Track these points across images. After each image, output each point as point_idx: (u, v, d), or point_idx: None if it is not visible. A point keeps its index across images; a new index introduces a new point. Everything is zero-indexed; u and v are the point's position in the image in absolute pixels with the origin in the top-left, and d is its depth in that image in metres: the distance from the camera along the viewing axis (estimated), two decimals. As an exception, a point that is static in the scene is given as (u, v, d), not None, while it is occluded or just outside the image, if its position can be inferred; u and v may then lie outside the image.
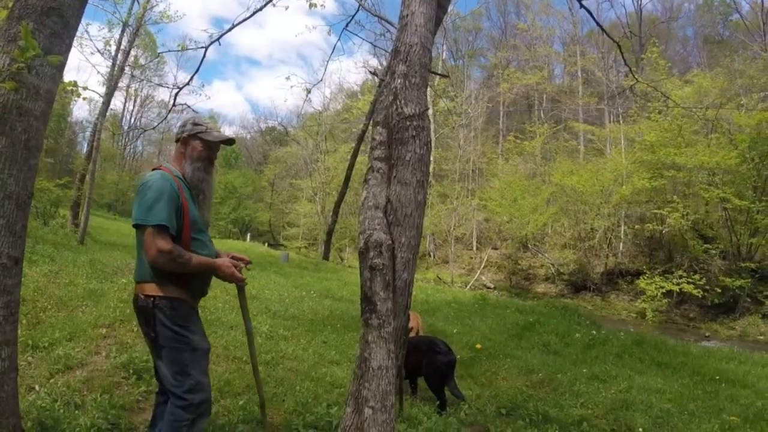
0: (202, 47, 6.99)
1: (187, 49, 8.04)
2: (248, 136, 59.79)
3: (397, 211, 2.47)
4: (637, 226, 24.91)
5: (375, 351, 2.26)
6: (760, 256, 21.13)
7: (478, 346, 7.79)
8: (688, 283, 20.25)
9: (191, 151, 2.70)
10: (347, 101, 48.48)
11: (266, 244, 35.71)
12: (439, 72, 21.26)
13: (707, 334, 17.95)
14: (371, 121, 2.57)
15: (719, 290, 19.70)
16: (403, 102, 2.56)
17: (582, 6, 5.10)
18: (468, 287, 25.70)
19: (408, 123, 2.53)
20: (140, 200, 2.44)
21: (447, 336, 8.41)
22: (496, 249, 32.97)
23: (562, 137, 37.02)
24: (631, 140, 29.11)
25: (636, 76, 7.30)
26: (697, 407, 5.89)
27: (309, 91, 6.85)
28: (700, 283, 20.02)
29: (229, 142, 2.79)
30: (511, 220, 29.00)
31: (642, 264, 25.48)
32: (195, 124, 2.75)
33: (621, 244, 27.50)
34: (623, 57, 6.58)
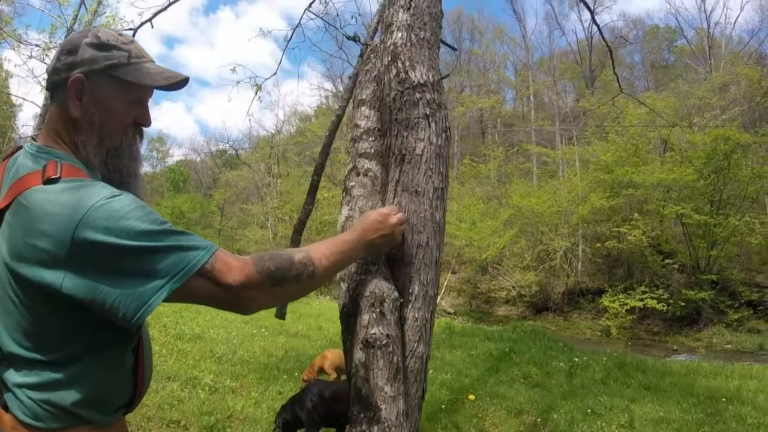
0: (131, 29, 5.89)
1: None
2: (198, 159, 57.83)
3: (405, 239, 1.50)
4: (598, 245, 24.87)
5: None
6: (718, 267, 21.65)
7: (471, 396, 6.92)
8: (652, 298, 20.33)
9: (99, 108, 1.22)
10: (300, 124, 47.58)
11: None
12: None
13: (675, 348, 18.23)
14: (352, 101, 1.75)
15: (683, 303, 19.92)
16: (407, 64, 1.60)
17: (594, 23, 4.35)
18: (429, 313, 24.83)
19: (418, 95, 1.58)
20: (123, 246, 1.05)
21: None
22: (455, 273, 32.37)
23: (516, 160, 37.16)
24: (585, 161, 29.37)
25: (620, 87, 6.66)
26: (709, 434, 5.45)
27: (259, 87, 5.86)
28: (664, 297, 20.17)
29: (181, 84, 1.31)
30: (470, 244, 28.51)
31: (602, 282, 25.80)
32: (101, 46, 1.22)
33: (579, 263, 27.47)
34: (613, 65, 5.91)
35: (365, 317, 1.36)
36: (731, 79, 26.81)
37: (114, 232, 1.03)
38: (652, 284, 21.62)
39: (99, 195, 1.06)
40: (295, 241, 1.92)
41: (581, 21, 40.51)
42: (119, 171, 1.26)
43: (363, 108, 1.75)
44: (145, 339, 1.26)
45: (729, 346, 18.04)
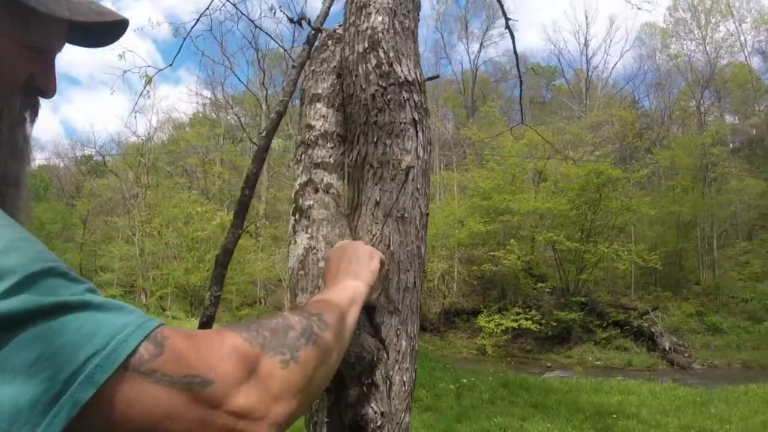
0: None
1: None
2: (61, 165, 53.08)
3: (391, 281, 1.15)
4: (474, 267, 25.75)
5: None
6: (586, 290, 23.13)
7: None
8: (526, 319, 21.16)
9: None
10: (174, 132, 45.17)
11: (76, 293, 31.99)
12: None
13: (549, 365, 19.12)
14: (299, 96, 1.38)
15: (554, 323, 20.95)
16: (391, 54, 1.26)
17: (508, 27, 4.29)
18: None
19: (405, 95, 1.24)
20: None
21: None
22: (333, 294, 32.07)
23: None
24: (463, 187, 30.51)
25: (523, 116, 6.81)
26: (604, 451, 5.76)
27: (150, 80, 5.21)
28: (536, 318, 21.11)
29: (119, 28, 0.82)
30: (349, 265, 28.46)
31: (477, 302, 26.62)
32: None
33: (455, 284, 28.30)
34: (521, 97, 5.91)
35: (353, 392, 0.99)
36: (606, 119, 29.40)
37: None
38: (525, 305, 22.61)
39: None
40: (219, 277, 1.46)
41: (468, 53, 42.34)
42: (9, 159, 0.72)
43: (318, 105, 1.38)
44: None
45: (599, 362, 19.21)
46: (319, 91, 1.41)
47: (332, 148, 1.35)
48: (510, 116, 39.12)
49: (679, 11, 34.52)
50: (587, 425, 7.07)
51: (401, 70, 1.28)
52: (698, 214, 25.69)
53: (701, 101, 31.52)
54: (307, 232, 1.22)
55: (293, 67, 1.59)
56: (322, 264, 1.15)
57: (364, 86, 1.29)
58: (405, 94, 1.26)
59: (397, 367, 1.13)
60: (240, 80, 43.83)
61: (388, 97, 1.25)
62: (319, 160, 1.33)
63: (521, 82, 5.15)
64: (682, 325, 21.49)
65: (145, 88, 5.12)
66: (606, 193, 21.31)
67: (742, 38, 32.36)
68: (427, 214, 1.28)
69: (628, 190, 23.74)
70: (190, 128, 43.46)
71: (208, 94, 43.45)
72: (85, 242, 39.52)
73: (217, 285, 1.40)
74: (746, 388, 9.65)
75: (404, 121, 1.25)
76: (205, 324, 1.38)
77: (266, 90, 30.86)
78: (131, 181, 37.56)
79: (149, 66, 5.55)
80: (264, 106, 31.73)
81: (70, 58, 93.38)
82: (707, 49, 32.63)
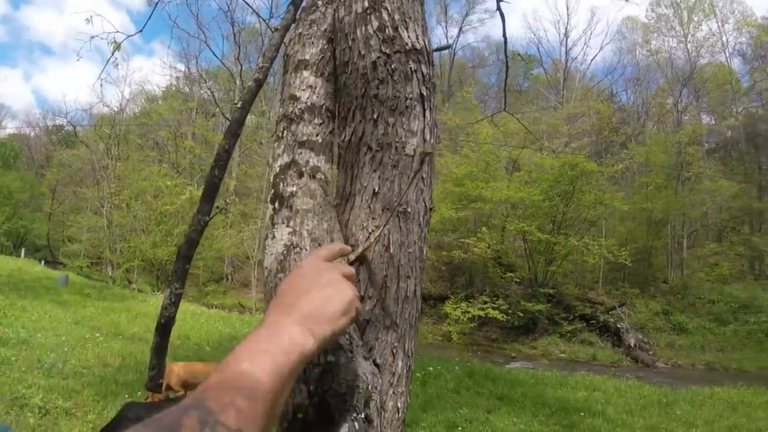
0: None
1: None
2: (32, 134, 52.31)
3: (390, 288, 0.96)
4: (444, 253, 25.72)
5: None
6: (554, 282, 23.27)
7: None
8: (493, 308, 21.25)
9: None
10: (146, 104, 44.19)
11: (43, 262, 31.65)
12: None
13: (513, 355, 19.21)
14: (283, 63, 1.19)
15: (521, 314, 21.07)
16: (397, 17, 1.06)
17: (503, 36, 4.11)
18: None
19: (412, 65, 1.04)
20: None
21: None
22: (300, 272, 31.92)
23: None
24: (435, 172, 30.38)
25: (505, 103, 6.67)
26: (570, 449, 5.79)
27: (119, 46, 4.91)
28: (504, 307, 21.19)
29: None
30: (318, 245, 28.22)
31: (444, 288, 26.67)
32: None
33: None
34: (505, 83, 5.79)
35: (344, 428, 0.80)
36: (583, 111, 29.51)
37: None
38: (492, 294, 22.63)
39: None
40: (181, 272, 1.24)
41: (446, 37, 41.96)
42: None
43: (305, 73, 1.17)
44: None
45: (563, 355, 19.37)
46: (307, 57, 1.20)
47: (320, 124, 1.15)
48: (486, 103, 39.06)
49: (661, 7, 34.66)
50: (553, 421, 7.01)
51: (408, 36, 1.07)
52: (670, 212, 25.93)
53: (679, 99, 31.69)
54: (288, 226, 1.01)
55: (276, 30, 1.38)
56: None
57: (363, 52, 1.08)
58: (412, 65, 1.06)
59: (391, 392, 0.95)
60: (215, 54, 43.11)
61: (392, 66, 1.05)
62: (305, 138, 1.12)
63: (507, 67, 5.00)
64: (648, 322, 21.75)
65: (113, 54, 4.84)
66: (579, 186, 21.36)
67: (723, 38, 32.60)
68: (432, 209, 1.09)
69: (602, 184, 23.91)
70: (163, 101, 42.80)
71: (182, 67, 42.58)
72: (54, 212, 39.26)
73: (179, 281, 1.19)
74: (711, 391, 9.79)
75: (410, 96, 1.05)
76: (164, 326, 1.19)
77: (241, 65, 30.22)
78: (101, 153, 36.90)
79: (118, 32, 5.25)
80: (238, 81, 31.12)
81: (46, 28, 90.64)
82: (688, 47, 32.86)
